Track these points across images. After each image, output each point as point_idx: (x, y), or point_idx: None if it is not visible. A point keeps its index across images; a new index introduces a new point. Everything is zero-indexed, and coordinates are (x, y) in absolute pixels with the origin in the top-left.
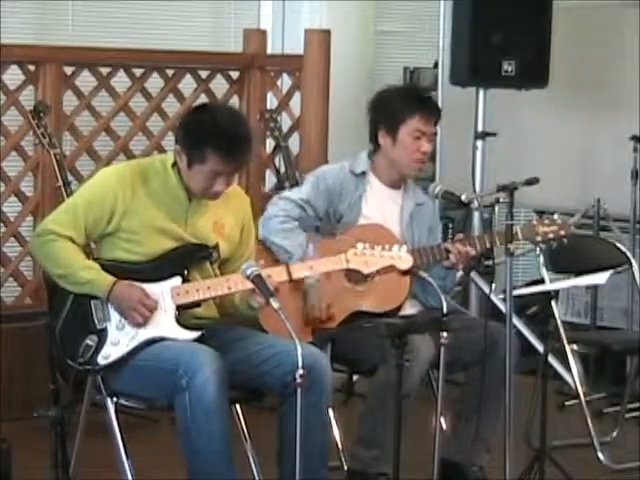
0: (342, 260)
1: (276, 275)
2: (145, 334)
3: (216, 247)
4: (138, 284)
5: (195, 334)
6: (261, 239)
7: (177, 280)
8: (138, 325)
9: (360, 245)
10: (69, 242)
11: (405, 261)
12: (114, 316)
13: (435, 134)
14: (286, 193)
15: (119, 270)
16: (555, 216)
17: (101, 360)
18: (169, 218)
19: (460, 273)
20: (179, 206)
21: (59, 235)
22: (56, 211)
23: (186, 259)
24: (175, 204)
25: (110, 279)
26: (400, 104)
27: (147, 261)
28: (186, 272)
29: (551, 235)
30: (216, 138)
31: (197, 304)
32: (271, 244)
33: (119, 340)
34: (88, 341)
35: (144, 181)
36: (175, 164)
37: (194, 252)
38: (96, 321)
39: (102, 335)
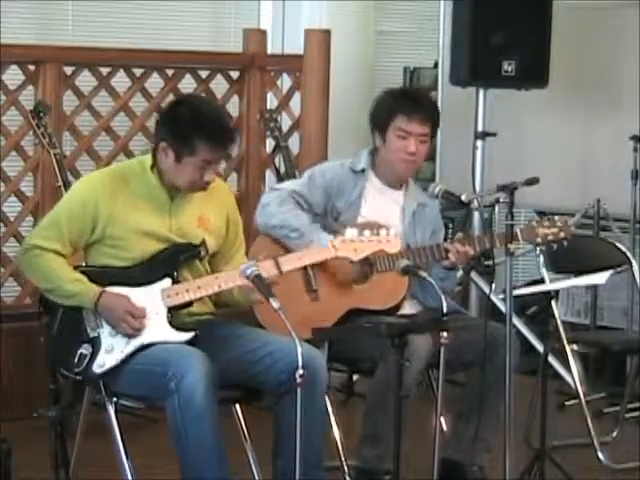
0: (330, 249)
1: (265, 270)
2: (138, 340)
3: (203, 243)
4: (125, 291)
5: (188, 335)
6: (261, 227)
7: (167, 282)
8: (129, 336)
9: (348, 232)
10: (55, 255)
11: (394, 244)
12: (106, 323)
13: (427, 135)
14: (280, 184)
15: (109, 276)
16: (556, 218)
17: (96, 368)
18: (153, 220)
19: (460, 273)
20: (162, 207)
21: (44, 249)
22: (39, 226)
23: (174, 260)
24: (157, 205)
25: (96, 290)
26: (387, 105)
27: (135, 265)
28: (175, 273)
29: (551, 237)
30: (204, 128)
31: (189, 304)
32: (272, 228)
33: (113, 347)
34: (82, 350)
35: (124, 186)
36: (153, 166)
37: (181, 252)
38: (89, 329)
39: (96, 343)
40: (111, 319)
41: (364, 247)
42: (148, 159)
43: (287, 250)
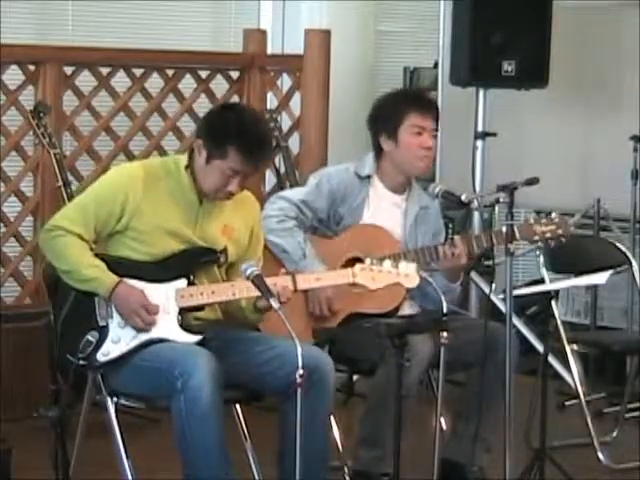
0: (349, 274)
1: (281, 285)
2: (146, 335)
3: (224, 251)
4: (141, 285)
5: (196, 338)
6: None
7: (182, 282)
8: (139, 329)
9: (368, 260)
10: (77, 239)
11: (412, 279)
12: (116, 314)
13: (436, 130)
14: (285, 192)
15: (126, 268)
16: (553, 215)
17: (100, 357)
18: (179, 220)
19: (460, 289)
20: (190, 208)
21: (68, 231)
22: (66, 207)
23: (193, 262)
24: (186, 206)
25: (113, 279)
26: (394, 106)
27: (154, 261)
28: (192, 275)
29: (549, 235)
30: (240, 136)
31: (200, 307)
32: (268, 242)
33: (120, 338)
34: (89, 337)
35: (156, 181)
36: (188, 166)
37: (201, 255)
38: (98, 318)
39: (103, 332)
40: (124, 310)
41: (382, 278)
42: (184, 158)
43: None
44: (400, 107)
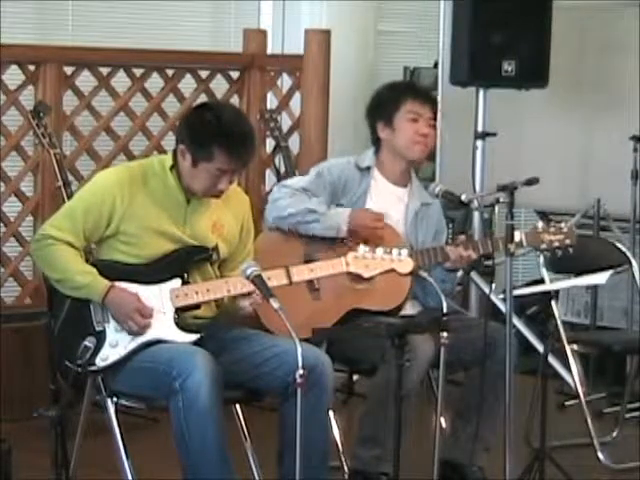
0: (342, 263)
1: (275, 278)
2: (143, 337)
3: (215, 248)
4: (135, 287)
5: (194, 337)
6: (273, 223)
7: (176, 282)
8: (134, 333)
9: (361, 248)
10: (68, 247)
11: (406, 265)
12: (112, 318)
13: (433, 120)
14: (287, 181)
15: (119, 271)
16: (562, 224)
17: (99, 362)
18: (168, 220)
19: (460, 274)
20: (178, 208)
21: (58, 240)
22: (55, 216)
23: (185, 261)
24: (174, 206)
25: (105, 284)
26: (390, 95)
27: (147, 263)
28: (186, 274)
29: (557, 244)
30: (223, 136)
31: (196, 306)
32: (287, 217)
33: (117, 342)
34: (87, 343)
35: (142, 183)
36: (173, 166)
37: (193, 254)
38: (95, 323)
39: (100, 337)
40: (118, 315)
41: (376, 265)
42: (168, 159)
43: (291, 245)
44: (397, 94)
